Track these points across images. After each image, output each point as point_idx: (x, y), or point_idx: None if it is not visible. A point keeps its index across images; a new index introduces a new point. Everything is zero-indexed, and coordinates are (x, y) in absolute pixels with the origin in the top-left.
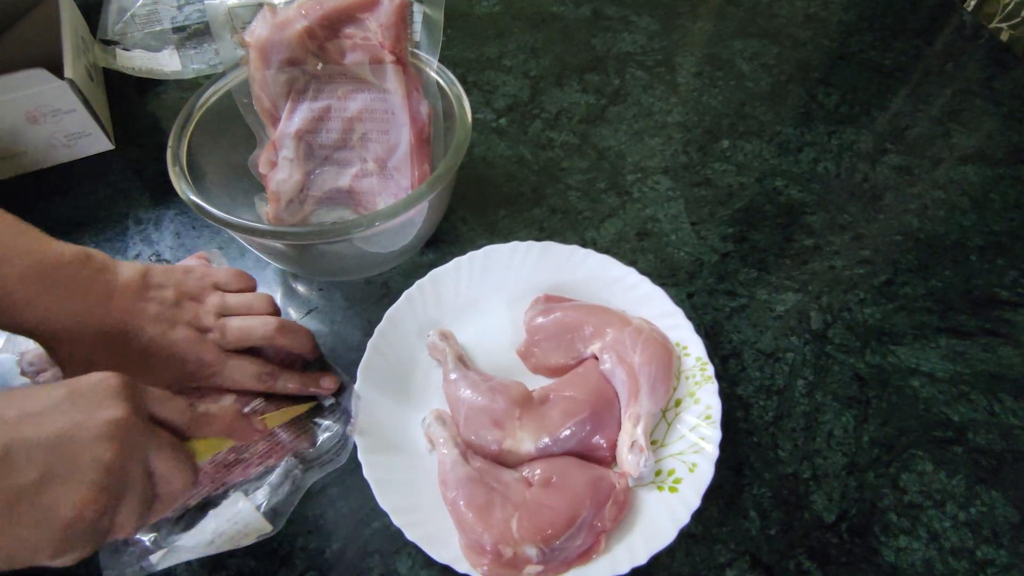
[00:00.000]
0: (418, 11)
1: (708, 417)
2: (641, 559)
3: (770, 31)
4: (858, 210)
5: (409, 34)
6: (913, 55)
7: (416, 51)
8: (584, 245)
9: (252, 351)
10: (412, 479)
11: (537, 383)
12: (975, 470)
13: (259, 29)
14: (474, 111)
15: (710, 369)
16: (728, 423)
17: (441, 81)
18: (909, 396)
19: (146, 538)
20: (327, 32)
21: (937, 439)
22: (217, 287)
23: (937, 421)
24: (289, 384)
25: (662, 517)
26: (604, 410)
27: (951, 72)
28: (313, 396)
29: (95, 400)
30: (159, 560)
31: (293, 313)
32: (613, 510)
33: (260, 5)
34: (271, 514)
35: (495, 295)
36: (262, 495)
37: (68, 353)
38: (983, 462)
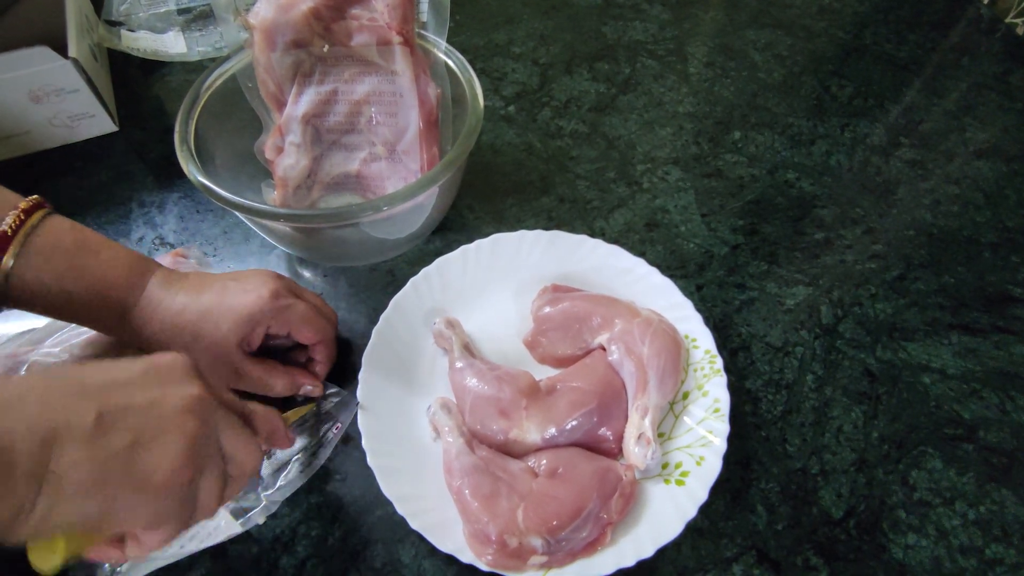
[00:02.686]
0: None
1: (716, 410)
2: (647, 552)
3: (783, 22)
4: (870, 204)
5: (416, 15)
6: (928, 48)
7: (423, 32)
8: (593, 235)
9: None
10: (416, 467)
11: (544, 373)
12: (986, 468)
13: (263, 10)
14: (482, 98)
15: (719, 362)
16: (736, 417)
17: (451, 63)
18: (920, 393)
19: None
20: (333, 13)
21: (948, 436)
22: None
23: (948, 418)
24: (312, 390)
25: (669, 510)
26: (611, 402)
27: (966, 66)
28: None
29: (173, 376)
30: (128, 569)
31: None
32: (619, 502)
33: None
34: (240, 512)
35: (502, 284)
36: None
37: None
38: (994, 460)
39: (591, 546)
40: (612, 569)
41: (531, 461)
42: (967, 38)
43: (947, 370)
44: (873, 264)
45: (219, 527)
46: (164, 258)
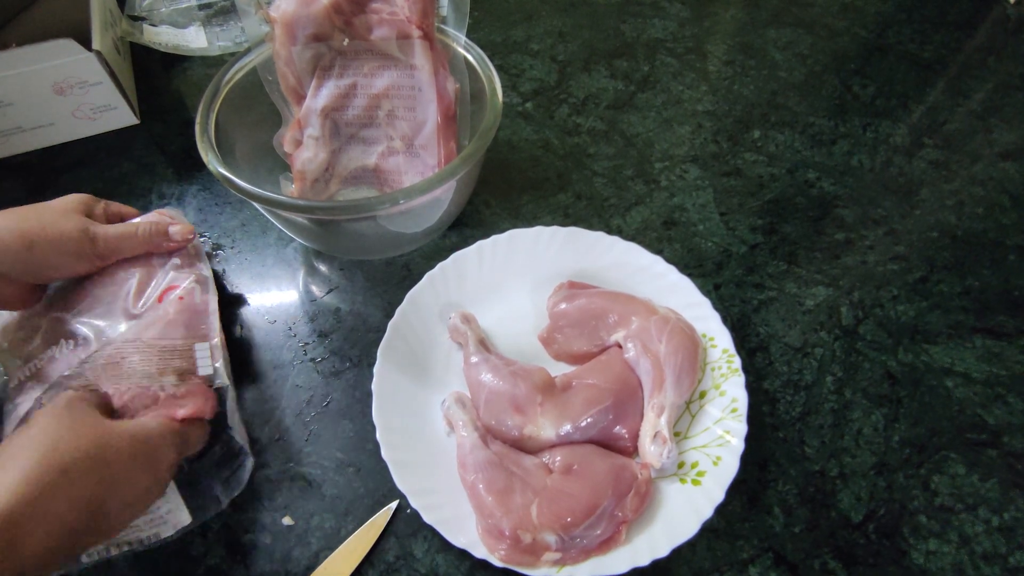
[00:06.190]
0: None
1: (734, 410)
2: (662, 552)
3: (805, 20)
4: (893, 205)
5: (436, 9)
6: (953, 48)
7: (443, 27)
8: (610, 232)
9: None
10: (430, 461)
11: (559, 370)
12: (1010, 474)
13: (285, 4)
14: (501, 93)
15: (737, 361)
16: (754, 417)
17: (470, 58)
18: (942, 396)
19: None
20: (354, 7)
21: (971, 441)
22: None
23: (971, 423)
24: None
25: (684, 510)
26: (627, 399)
27: (992, 66)
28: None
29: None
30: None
31: (315, 290)
32: (635, 500)
33: None
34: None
35: (518, 280)
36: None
37: None
38: (1019, 466)
39: (605, 544)
40: (626, 568)
41: (546, 457)
42: (993, 38)
43: (971, 374)
44: (895, 265)
45: (172, 511)
46: (150, 216)
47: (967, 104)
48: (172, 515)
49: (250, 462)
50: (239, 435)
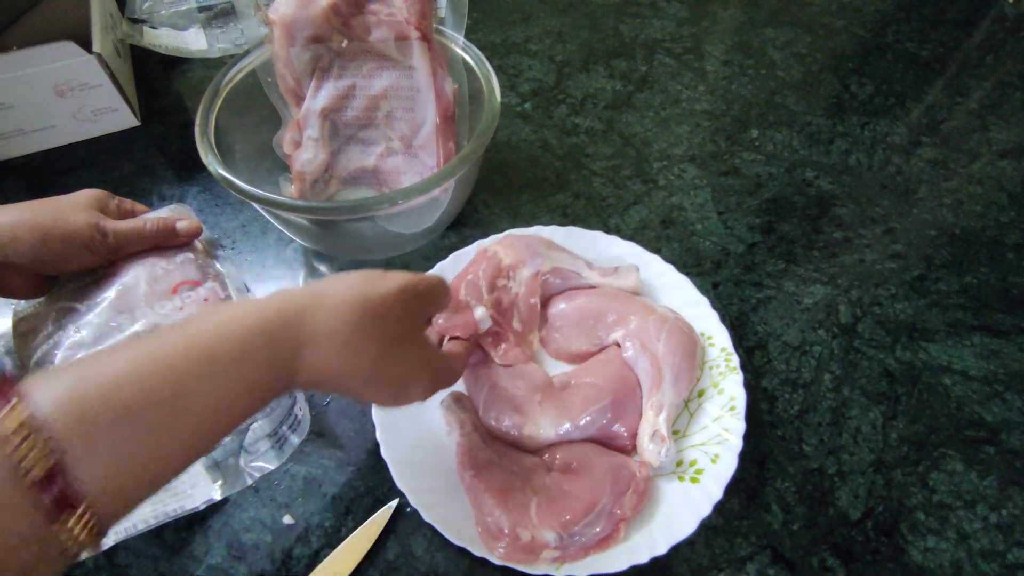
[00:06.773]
0: None
1: (732, 408)
2: (661, 549)
3: (803, 20)
4: (891, 203)
5: (434, 10)
6: (951, 47)
7: (441, 28)
8: (608, 232)
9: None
10: (430, 460)
11: (558, 369)
12: (1008, 472)
13: (284, 6)
14: (499, 93)
15: (735, 360)
16: (752, 415)
17: (468, 58)
18: (940, 394)
19: None
20: (352, 8)
21: (969, 439)
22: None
23: (969, 420)
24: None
25: (683, 507)
26: (626, 398)
27: (991, 64)
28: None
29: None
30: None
31: None
32: (633, 498)
33: None
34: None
35: None
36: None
37: None
38: (1017, 464)
39: (604, 542)
40: (625, 566)
41: (545, 456)
42: (991, 36)
43: (969, 372)
44: (893, 264)
45: (197, 484)
46: (161, 211)
47: (965, 103)
48: (198, 489)
49: (299, 433)
50: (300, 404)
